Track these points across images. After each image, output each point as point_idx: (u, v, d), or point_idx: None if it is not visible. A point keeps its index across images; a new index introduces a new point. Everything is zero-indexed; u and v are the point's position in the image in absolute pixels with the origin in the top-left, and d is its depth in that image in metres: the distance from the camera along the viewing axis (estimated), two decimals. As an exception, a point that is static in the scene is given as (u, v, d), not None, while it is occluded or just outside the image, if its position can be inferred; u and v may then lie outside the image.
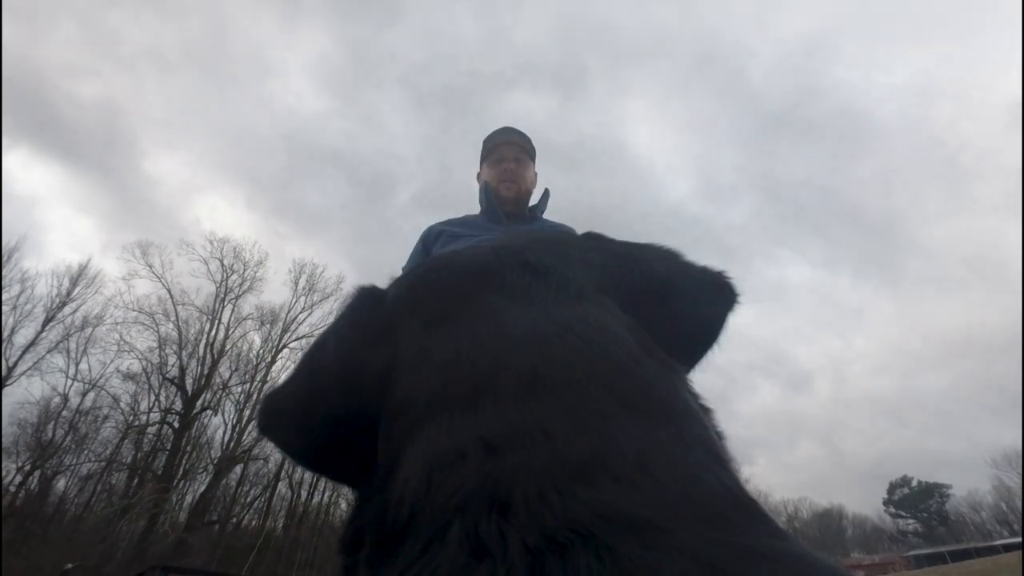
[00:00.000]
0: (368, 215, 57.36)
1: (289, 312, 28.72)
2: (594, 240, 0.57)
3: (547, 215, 1.83)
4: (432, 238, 1.70)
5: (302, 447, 0.48)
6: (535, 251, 0.49)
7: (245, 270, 28.45)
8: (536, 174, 1.84)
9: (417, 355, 0.41)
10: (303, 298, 29.35)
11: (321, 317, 29.44)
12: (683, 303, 0.52)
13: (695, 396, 0.39)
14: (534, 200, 1.84)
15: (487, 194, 1.71)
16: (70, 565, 6.36)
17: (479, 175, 1.85)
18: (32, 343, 22.78)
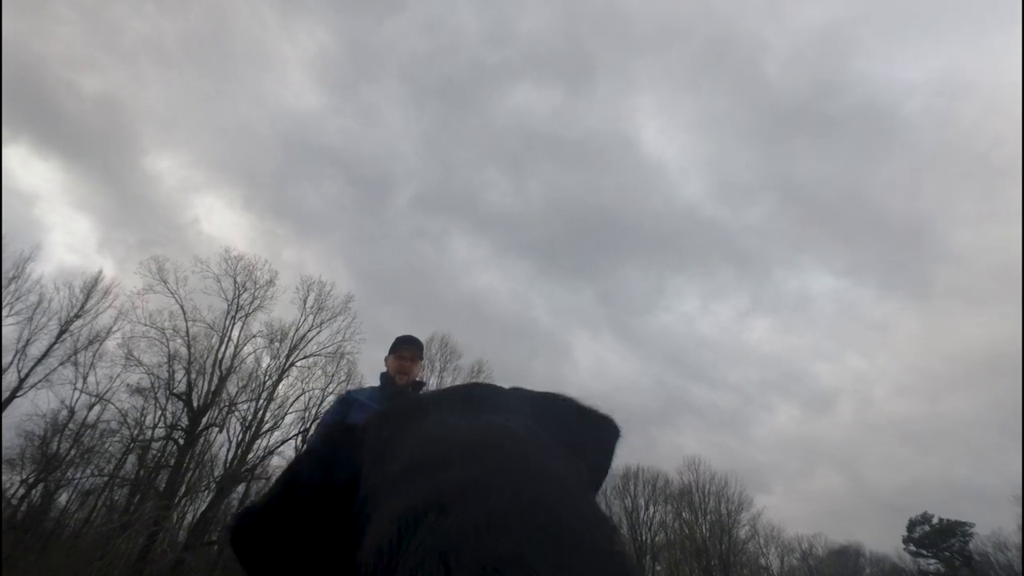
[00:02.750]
0: (366, 216, 57.53)
1: (297, 331, 28.74)
2: (517, 390, 0.79)
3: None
4: (350, 402, 2.56)
5: (269, 560, 0.56)
6: (478, 389, 0.72)
7: (256, 288, 28.63)
8: (424, 367, 2.77)
9: (383, 451, 0.54)
10: (311, 317, 29.40)
11: (329, 336, 29.43)
12: (585, 433, 0.74)
13: (581, 480, 0.55)
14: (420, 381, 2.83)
15: (384, 379, 2.65)
16: None
17: (386, 360, 2.74)
18: (44, 355, 22.91)
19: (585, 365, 65.60)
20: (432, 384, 31.85)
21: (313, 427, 27.56)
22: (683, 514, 37.51)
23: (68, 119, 43.81)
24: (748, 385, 66.81)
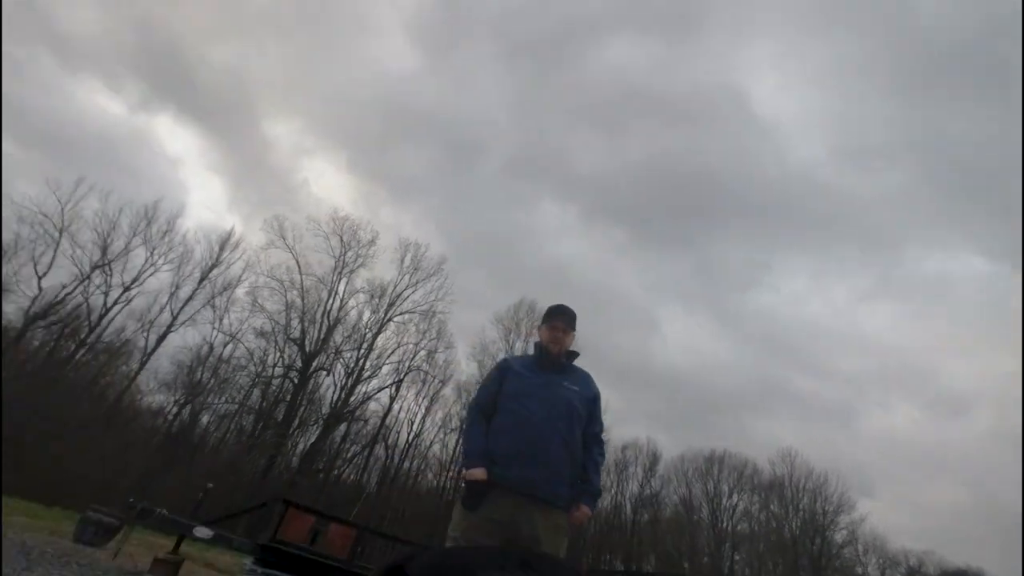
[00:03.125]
0: (458, 179, 57.44)
1: (395, 288, 30.68)
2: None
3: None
4: (505, 369, 2.62)
5: None
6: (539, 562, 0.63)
7: (359, 247, 30.85)
8: (574, 337, 2.71)
9: None
10: (408, 276, 31.18)
11: (424, 295, 31.09)
12: None
13: None
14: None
15: (539, 348, 2.66)
16: (210, 485, 7.67)
17: (539, 329, 2.76)
18: (190, 298, 26.99)
19: (675, 341, 61.28)
20: (518, 349, 32.72)
21: (406, 378, 29.55)
22: (771, 506, 35.58)
23: (202, 89, 48.81)
24: (861, 377, 58.63)
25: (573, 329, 2.68)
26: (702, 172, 62.74)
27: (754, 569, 33.95)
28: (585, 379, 2.62)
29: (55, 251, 25.71)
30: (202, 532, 5.52)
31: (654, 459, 37.25)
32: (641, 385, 54.96)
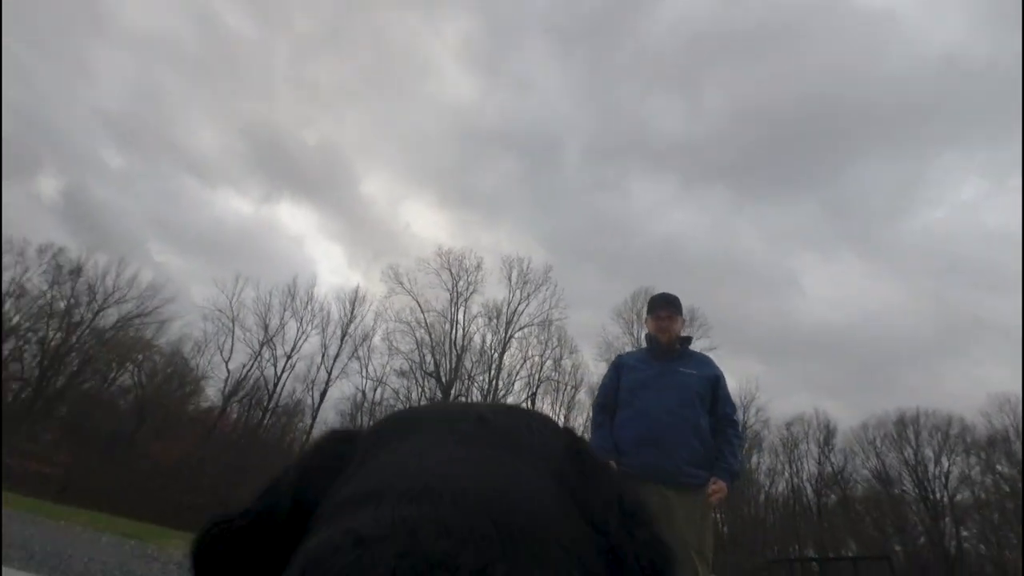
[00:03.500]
0: (542, 183, 57.20)
1: (509, 306, 31.49)
2: (570, 434, 0.58)
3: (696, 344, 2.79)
4: (620, 367, 2.67)
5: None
6: (495, 413, 0.55)
7: (468, 275, 32.29)
8: (683, 322, 2.74)
9: (353, 471, 0.47)
10: (518, 291, 31.83)
11: (537, 306, 31.46)
12: (639, 535, 0.47)
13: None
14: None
15: (649, 340, 2.71)
16: None
17: (646, 321, 2.81)
18: (337, 355, 30.50)
19: (818, 295, 54.19)
20: (643, 341, 31.27)
21: (539, 389, 30.00)
22: (997, 467, 29.36)
23: (306, 170, 55.45)
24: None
25: (679, 314, 2.70)
26: (804, 97, 54.93)
27: (992, 545, 28.10)
28: (703, 361, 2.60)
29: (232, 338, 30.82)
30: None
31: (828, 432, 33.13)
32: (791, 353, 49.53)
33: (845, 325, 50.06)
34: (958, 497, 29.67)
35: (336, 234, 57.77)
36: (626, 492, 0.49)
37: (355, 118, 58.69)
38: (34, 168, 44.08)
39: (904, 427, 31.75)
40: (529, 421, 0.55)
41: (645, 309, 2.82)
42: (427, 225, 56.39)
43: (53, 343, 27.94)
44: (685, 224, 56.46)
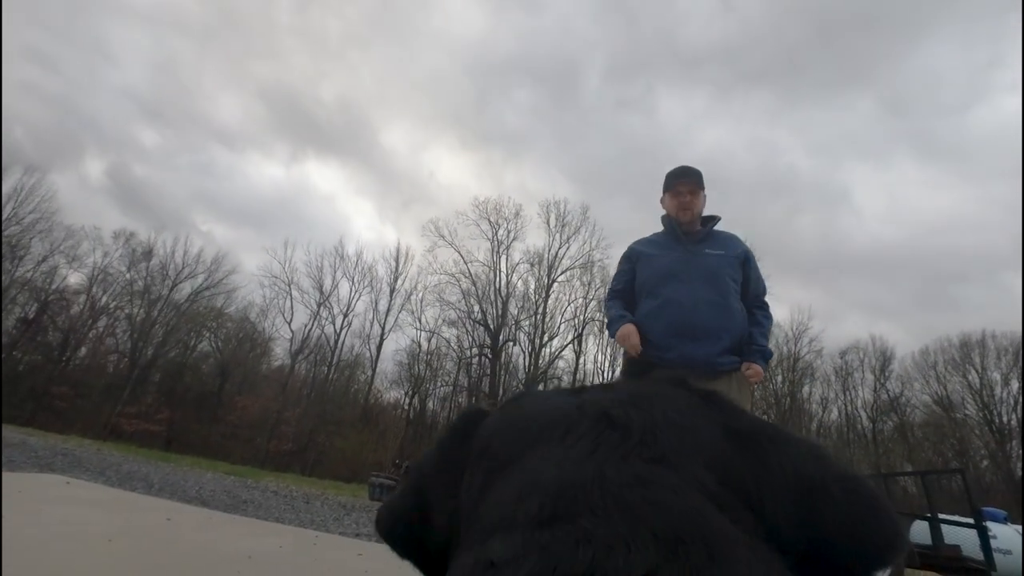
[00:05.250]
0: (563, 112, 53.40)
1: (550, 250, 31.80)
2: (718, 411, 0.49)
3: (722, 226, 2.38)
4: (634, 257, 2.36)
5: (406, 550, 0.53)
6: (621, 406, 0.46)
7: (507, 222, 32.63)
8: (705, 198, 2.34)
9: (471, 500, 0.44)
10: (557, 235, 31.99)
11: (578, 249, 31.63)
12: (835, 519, 0.40)
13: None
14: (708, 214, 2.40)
15: (669, 221, 2.35)
16: None
17: (663, 200, 2.40)
18: (389, 309, 32.12)
19: (872, 210, 50.07)
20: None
21: (584, 331, 30.64)
22: (1072, 388, 28.00)
23: (327, 127, 54.92)
24: None
25: (702, 188, 2.34)
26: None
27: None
28: (728, 240, 2.32)
29: (290, 301, 32.90)
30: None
31: (884, 359, 32.33)
32: (845, 274, 46.84)
33: (901, 240, 47.03)
34: (1028, 419, 28.70)
35: (364, 189, 57.56)
36: (806, 464, 0.41)
37: (367, 67, 56.72)
38: (79, 153, 46.43)
39: (969, 351, 30.55)
40: (665, 409, 0.46)
41: (664, 189, 2.40)
42: (451, 170, 54.61)
43: (138, 319, 30.88)
44: (721, 139, 52.09)
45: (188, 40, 51.20)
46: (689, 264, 2.19)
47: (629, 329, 2.14)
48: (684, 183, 2.32)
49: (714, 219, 2.37)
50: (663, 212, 2.40)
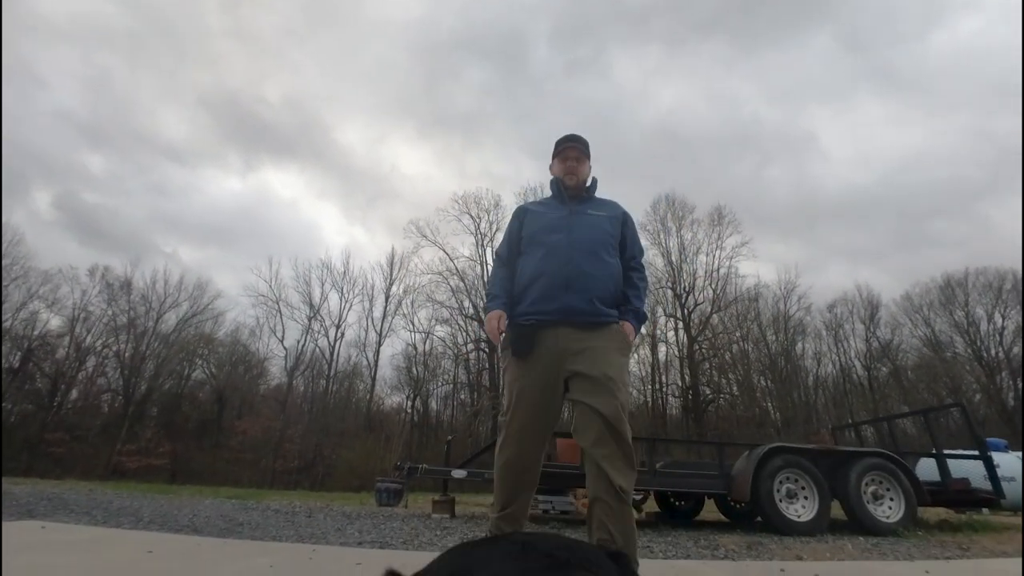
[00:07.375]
0: (515, 85, 52.44)
1: (535, 240, 31.78)
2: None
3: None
4: (522, 214, 2.47)
5: None
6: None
7: (488, 214, 32.50)
8: (590, 167, 2.52)
9: None
10: (542, 224, 31.97)
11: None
12: None
13: None
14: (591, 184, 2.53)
15: (556, 184, 2.49)
16: (450, 437, 9.38)
17: (551, 166, 2.56)
18: (384, 315, 31.99)
19: (840, 154, 49.45)
20: (673, 247, 31.46)
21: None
22: (1056, 314, 28.65)
23: (276, 128, 52.19)
24: None
25: (588, 157, 2.51)
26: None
27: (1053, 390, 28.08)
28: (609, 204, 2.47)
29: (281, 319, 32.58)
30: (458, 473, 6.57)
31: (872, 308, 32.87)
32: (821, 222, 46.58)
33: (872, 181, 46.71)
34: (1015, 350, 29.38)
35: (325, 191, 55.48)
36: None
37: (308, 62, 54.22)
38: (24, 186, 43.00)
39: (950, 290, 31.13)
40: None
41: (553, 155, 2.56)
42: (412, 161, 53.10)
43: (127, 354, 30.38)
44: (682, 97, 51.04)
45: (116, 53, 47.89)
46: (572, 220, 2.32)
47: (495, 315, 2.22)
48: (572, 148, 2.49)
49: (594, 186, 2.52)
50: (551, 177, 2.55)
